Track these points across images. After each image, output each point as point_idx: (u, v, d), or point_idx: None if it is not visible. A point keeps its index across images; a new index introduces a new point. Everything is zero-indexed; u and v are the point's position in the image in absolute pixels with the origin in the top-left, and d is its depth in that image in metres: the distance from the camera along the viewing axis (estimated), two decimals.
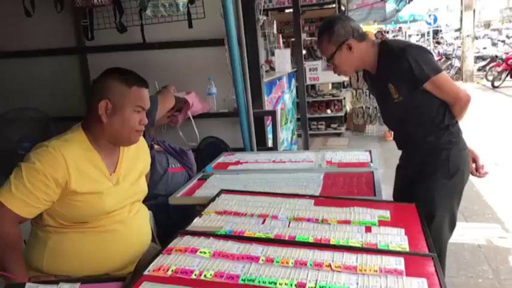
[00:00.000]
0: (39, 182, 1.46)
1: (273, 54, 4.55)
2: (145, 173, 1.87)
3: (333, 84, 7.65)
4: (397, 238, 1.43)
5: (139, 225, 1.71)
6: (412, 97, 1.90)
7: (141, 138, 1.83)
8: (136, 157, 1.77)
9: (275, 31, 4.93)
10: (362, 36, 1.95)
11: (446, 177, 1.92)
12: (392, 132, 2.22)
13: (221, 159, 2.60)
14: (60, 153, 1.49)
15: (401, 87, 1.90)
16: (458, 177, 1.94)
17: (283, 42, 5.98)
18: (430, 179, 1.93)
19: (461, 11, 14.00)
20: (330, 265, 1.25)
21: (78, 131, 1.60)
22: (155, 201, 2.24)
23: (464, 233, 3.35)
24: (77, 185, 1.51)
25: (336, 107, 7.35)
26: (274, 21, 5.07)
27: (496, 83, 11.59)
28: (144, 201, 1.97)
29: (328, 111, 7.34)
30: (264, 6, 6.89)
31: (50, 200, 1.49)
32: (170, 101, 2.64)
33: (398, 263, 1.25)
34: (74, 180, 1.50)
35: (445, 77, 1.90)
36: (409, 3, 13.08)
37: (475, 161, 2.04)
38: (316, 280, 1.17)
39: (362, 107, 7.15)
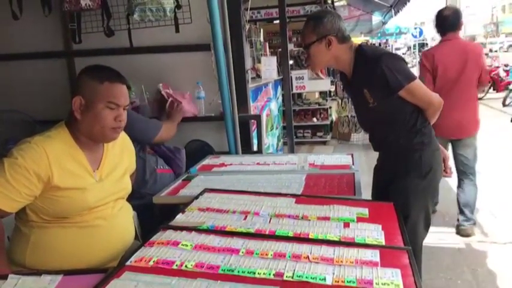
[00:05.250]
0: (21, 176, 1.47)
1: (259, 61, 4.61)
2: (131, 171, 1.89)
3: (320, 93, 7.75)
4: (374, 233, 1.47)
5: (122, 222, 1.73)
6: (386, 103, 1.95)
7: (126, 137, 1.86)
8: (121, 155, 1.79)
9: (262, 39, 5.00)
10: (344, 39, 1.98)
11: (420, 177, 1.97)
12: (368, 134, 2.27)
13: (206, 161, 2.63)
14: (42, 148, 1.51)
15: (376, 93, 1.94)
16: (432, 177, 2.00)
17: (271, 53, 6.07)
18: (404, 179, 1.98)
19: None
20: (308, 257, 1.28)
21: (62, 128, 1.63)
22: (142, 200, 2.26)
23: (445, 238, 3.43)
24: (60, 181, 1.53)
25: (322, 116, 7.45)
26: (261, 30, 5.15)
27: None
28: (130, 201, 1.99)
29: (314, 119, 7.43)
30: (252, 17, 6.98)
31: (32, 194, 1.51)
32: (173, 133, 2.72)
33: (374, 255, 1.29)
34: (57, 175, 1.52)
35: (418, 84, 1.95)
36: (395, 15, 13.29)
37: (444, 161, 2.10)
38: (294, 270, 1.21)
39: (347, 116, 7.25)
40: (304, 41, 2.02)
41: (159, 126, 2.59)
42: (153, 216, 2.25)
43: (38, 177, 1.49)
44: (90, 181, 1.62)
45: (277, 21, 7.58)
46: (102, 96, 1.58)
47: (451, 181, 4.66)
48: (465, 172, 3.51)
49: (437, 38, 3.70)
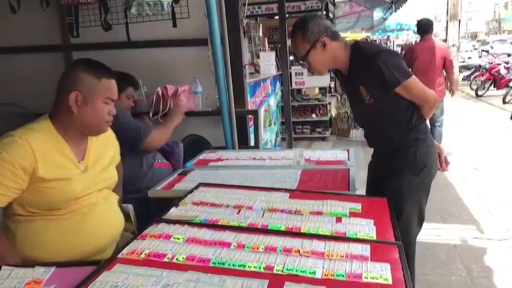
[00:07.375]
0: (7, 171, 1.47)
1: (258, 56, 4.61)
2: (116, 161, 1.90)
3: (319, 89, 7.74)
4: (365, 228, 1.48)
5: (109, 211, 1.74)
6: (382, 100, 1.94)
7: (109, 130, 1.87)
8: (105, 145, 1.81)
9: (261, 34, 5.00)
10: (335, 35, 1.97)
11: (414, 173, 1.97)
12: (364, 130, 2.28)
13: (202, 156, 2.64)
14: (26, 141, 1.51)
15: (373, 90, 1.93)
16: (426, 173, 1.99)
17: (272, 48, 6.07)
18: (398, 175, 1.98)
19: (447, 21, 14.25)
20: (298, 251, 1.29)
21: (45, 121, 1.63)
22: (139, 194, 2.27)
23: (440, 234, 3.44)
24: (45, 172, 1.53)
25: (321, 112, 7.44)
26: (260, 25, 5.14)
27: (480, 92, 11.80)
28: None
29: (314, 115, 7.42)
30: (253, 12, 6.96)
31: (19, 188, 1.51)
32: (165, 138, 2.59)
33: (365, 250, 1.30)
34: (41, 167, 1.52)
35: (414, 80, 1.94)
36: (395, 11, 13.26)
37: (439, 155, 2.10)
38: (284, 264, 1.22)
39: (347, 112, 7.25)
40: (299, 53, 1.99)
41: (149, 128, 2.48)
42: (150, 209, 2.26)
43: (23, 171, 1.49)
44: (75, 171, 1.62)
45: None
46: (101, 92, 1.63)
47: (448, 178, 4.69)
48: (433, 123, 5.31)
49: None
